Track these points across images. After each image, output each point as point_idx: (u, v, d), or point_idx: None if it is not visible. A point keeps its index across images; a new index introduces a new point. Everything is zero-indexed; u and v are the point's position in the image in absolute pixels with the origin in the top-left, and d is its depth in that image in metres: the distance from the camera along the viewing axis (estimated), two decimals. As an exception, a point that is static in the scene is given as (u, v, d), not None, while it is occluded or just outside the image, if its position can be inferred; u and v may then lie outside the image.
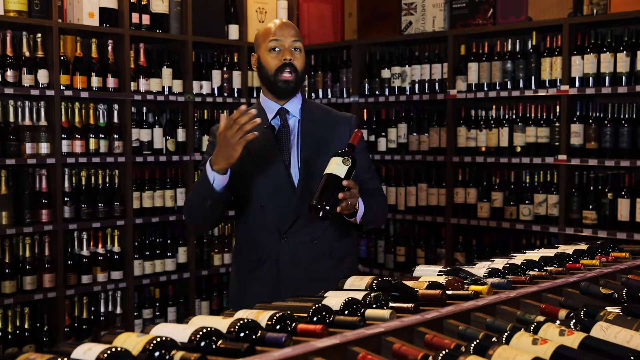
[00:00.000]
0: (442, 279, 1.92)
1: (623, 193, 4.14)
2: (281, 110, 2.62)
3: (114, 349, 1.33)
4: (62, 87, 4.31)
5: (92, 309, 4.50)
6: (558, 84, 4.37)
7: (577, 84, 4.29)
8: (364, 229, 2.61)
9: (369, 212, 2.52)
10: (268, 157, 2.55)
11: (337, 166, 2.28)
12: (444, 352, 1.31)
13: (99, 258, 4.50)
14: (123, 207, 4.56)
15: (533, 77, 4.51)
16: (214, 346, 1.40)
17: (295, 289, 2.15)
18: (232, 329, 1.47)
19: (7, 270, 4.13)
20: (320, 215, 2.23)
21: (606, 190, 4.22)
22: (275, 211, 2.55)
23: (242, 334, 1.46)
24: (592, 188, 4.29)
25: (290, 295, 1.91)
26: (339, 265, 2.62)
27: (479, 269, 2.13)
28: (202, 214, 2.49)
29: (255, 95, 5.22)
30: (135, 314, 4.66)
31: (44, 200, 4.24)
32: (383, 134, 5.28)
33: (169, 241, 4.81)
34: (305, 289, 2.02)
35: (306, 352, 1.38)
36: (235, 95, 5.11)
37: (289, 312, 1.56)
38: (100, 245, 4.51)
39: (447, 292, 1.78)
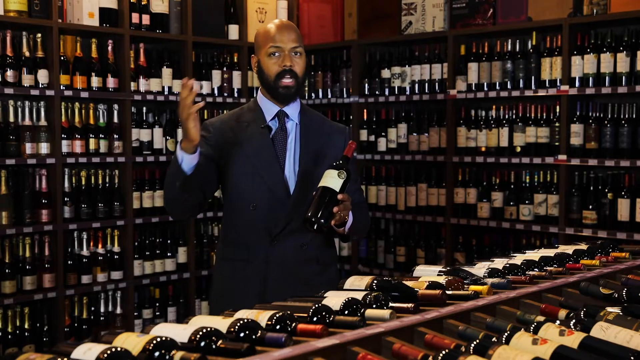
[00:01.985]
0: (442, 279, 1.92)
1: (623, 193, 4.14)
2: (280, 112, 2.61)
3: (114, 349, 1.33)
4: (62, 87, 4.31)
5: (92, 309, 4.50)
6: (558, 84, 4.37)
7: (577, 84, 4.29)
8: (349, 239, 2.63)
9: (356, 224, 2.54)
10: (264, 158, 2.54)
11: (332, 179, 2.28)
12: (444, 352, 1.31)
13: (99, 258, 4.50)
14: (123, 207, 4.56)
15: (533, 77, 4.51)
16: (214, 346, 1.40)
17: (281, 291, 2.15)
18: (232, 329, 1.47)
19: (7, 270, 4.13)
20: (315, 228, 2.26)
21: (606, 190, 4.22)
22: (267, 213, 2.54)
23: (242, 334, 1.46)
24: (592, 188, 4.29)
25: (276, 297, 1.91)
26: (325, 271, 2.63)
27: (479, 269, 2.13)
28: (174, 197, 2.50)
29: (254, 95, 5.20)
30: (135, 314, 4.66)
31: (44, 200, 4.24)
32: (383, 134, 5.28)
33: (169, 241, 4.81)
34: (291, 291, 2.02)
35: (306, 352, 1.38)
36: (235, 95, 5.11)
37: (289, 312, 1.56)
38: (100, 245, 4.51)
39: (447, 292, 1.78)
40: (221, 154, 2.58)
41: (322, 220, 2.24)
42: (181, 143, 2.38)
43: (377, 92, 5.30)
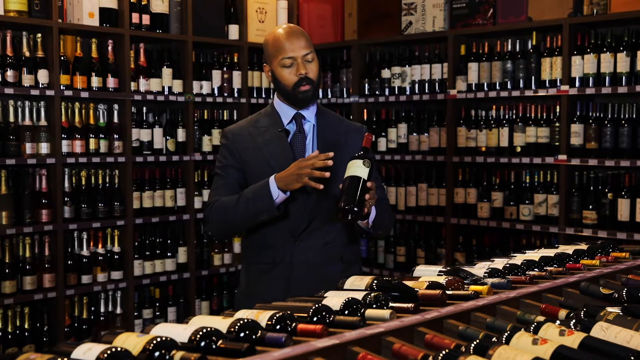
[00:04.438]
0: (442, 279, 1.91)
1: (623, 193, 4.14)
2: (297, 115, 2.65)
3: (114, 349, 1.33)
4: (62, 87, 4.31)
5: (92, 309, 4.50)
6: (558, 84, 4.37)
7: (577, 84, 4.29)
8: (373, 233, 2.65)
9: (380, 218, 2.57)
10: (282, 161, 2.57)
11: (359, 168, 2.31)
12: (444, 352, 1.31)
13: (99, 258, 4.50)
14: (123, 207, 4.56)
15: (533, 77, 4.51)
16: (214, 346, 1.40)
17: (306, 291, 2.17)
18: (232, 329, 1.47)
19: (7, 270, 4.13)
20: (350, 217, 2.28)
21: (606, 190, 4.22)
22: (289, 214, 2.57)
23: (242, 334, 1.46)
24: (592, 188, 4.29)
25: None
26: (349, 269, 2.63)
27: (479, 269, 2.13)
28: (244, 225, 2.59)
29: (255, 95, 5.22)
30: (135, 314, 4.66)
31: (44, 200, 4.24)
32: (383, 134, 5.28)
33: (169, 241, 4.81)
34: (315, 291, 2.04)
35: (306, 352, 1.38)
36: (235, 95, 5.11)
37: (289, 312, 1.56)
38: (100, 245, 4.51)
39: (447, 292, 1.78)
40: (242, 159, 2.63)
41: (356, 209, 2.26)
42: (278, 181, 2.45)
43: (377, 92, 5.30)
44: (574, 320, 1.54)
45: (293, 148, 2.62)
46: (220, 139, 2.73)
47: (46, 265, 4.25)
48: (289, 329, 1.51)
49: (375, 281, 1.85)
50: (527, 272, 2.10)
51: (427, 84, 5.06)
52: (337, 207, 2.28)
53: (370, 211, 2.43)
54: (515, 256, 2.38)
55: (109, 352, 1.32)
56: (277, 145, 2.60)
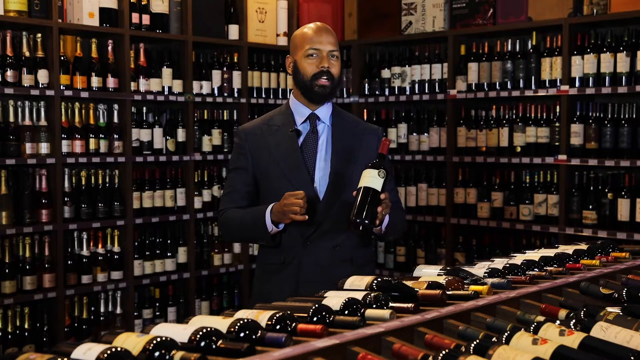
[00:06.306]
0: (442, 279, 1.92)
1: (623, 193, 4.14)
2: (311, 115, 2.64)
3: (114, 349, 1.33)
4: (62, 87, 4.31)
5: (92, 309, 4.50)
6: (558, 84, 4.37)
7: (577, 84, 4.29)
8: (385, 238, 2.65)
9: (393, 223, 2.57)
10: (290, 163, 2.58)
11: (373, 179, 2.30)
12: (444, 352, 1.31)
13: (99, 258, 4.50)
14: (123, 207, 4.56)
15: (533, 77, 4.52)
16: (214, 346, 1.40)
17: (314, 292, 2.18)
18: (232, 329, 1.47)
19: (7, 270, 4.13)
20: (361, 229, 2.28)
21: (606, 190, 4.22)
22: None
23: (242, 334, 1.46)
24: (592, 188, 4.29)
25: None
26: (359, 272, 2.61)
27: (479, 269, 2.13)
28: (247, 242, 2.58)
29: (255, 95, 5.22)
30: (135, 314, 4.66)
31: (44, 200, 4.24)
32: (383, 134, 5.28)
33: (169, 241, 4.81)
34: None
35: (306, 352, 1.38)
36: (235, 95, 5.11)
37: (289, 312, 1.56)
38: (100, 245, 4.51)
39: (447, 292, 1.78)
40: (253, 160, 2.64)
41: (367, 221, 2.26)
42: (272, 214, 2.49)
43: (377, 92, 5.30)
44: (574, 320, 1.54)
45: (304, 149, 2.61)
46: (234, 138, 2.75)
47: (46, 265, 4.25)
48: (289, 329, 1.51)
49: (375, 281, 1.85)
50: (527, 272, 2.10)
51: (427, 84, 5.06)
52: (349, 218, 2.28)
53: (383, 220, 2.43)
54: (515, 256, 2.38)
55: (109, 352, 1.32)
56: (287, 146, 2.60)
